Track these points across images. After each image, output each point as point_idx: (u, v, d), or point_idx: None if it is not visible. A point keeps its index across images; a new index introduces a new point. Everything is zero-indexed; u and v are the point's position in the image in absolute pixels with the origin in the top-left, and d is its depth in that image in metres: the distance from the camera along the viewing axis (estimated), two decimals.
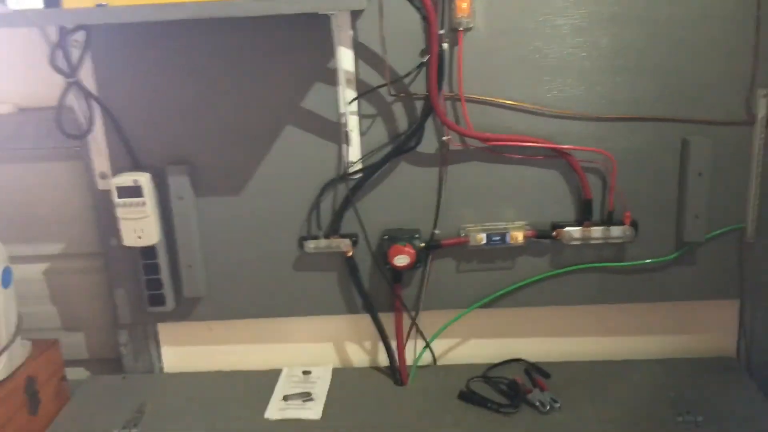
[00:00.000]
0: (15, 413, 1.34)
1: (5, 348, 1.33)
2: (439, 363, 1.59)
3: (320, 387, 1.51)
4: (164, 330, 1.61)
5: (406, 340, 1.53)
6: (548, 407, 1.38)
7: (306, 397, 1.47)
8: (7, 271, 1.32)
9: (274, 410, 1.44)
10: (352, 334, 1.60)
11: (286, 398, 1.47)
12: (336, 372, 1.57)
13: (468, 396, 1.44)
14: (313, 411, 1.43)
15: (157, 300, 1.50)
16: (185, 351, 1.62)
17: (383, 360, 1.58)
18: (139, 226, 1.42)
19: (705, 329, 1.54)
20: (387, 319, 1.52)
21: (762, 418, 1.31)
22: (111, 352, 1.64)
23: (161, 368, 1.63)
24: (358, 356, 1.61)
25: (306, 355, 1.61)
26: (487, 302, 1.50)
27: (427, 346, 1.55)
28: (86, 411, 1.47)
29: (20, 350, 1.39)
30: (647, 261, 1.46)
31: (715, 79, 1.36)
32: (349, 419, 1.40)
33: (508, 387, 1.46)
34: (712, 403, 1.37)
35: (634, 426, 1.32)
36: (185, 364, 1.62)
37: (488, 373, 1.51)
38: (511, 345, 1.58)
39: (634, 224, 1.42)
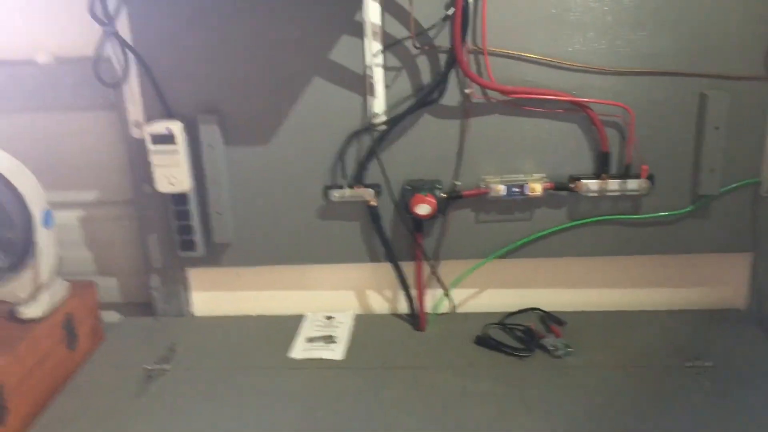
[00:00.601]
0: (55, 347, 1.42)
1: (46, 285, 1.40)
2: (457, 311, 1.64)
3: (342, 331, 1.57)
4: (194, 275, 1.67)
5: (426, 288, 1.58)
6: (561, 352, 1.44)
7: (329, 339, 1.54)
8: (48, 213, 1.39)
9: (299, 350, 1.50)
10: (374, 282, 1.65)
11: (309, 340, 1.54)
12: (357, 318, 1.63)
13: (484, 341, 1.50)
14: (335, 352, 1.49)
15: (188, 245, 1.57)
16: (214, 296, 1.69)
17: (403, 308, 1.64)
18: (171, 172, 1.48)
19: (717, 282, 1.58)
20: (408, 268, 1.58)
21: None
22: (143, 296, 1.71)
23: (191, 312, 1.69)
24: (378, 303, 1.67)
25: (329, 302, 1.67)
26: (505, 252, 1.55)
27: (446, 294, 1.61)
28: (120, 348, 1.55)
29: (60, 289, 1.47)
30: (662, 214, 1.49)
31: (734, 34, 1.38)
32: (369, 360, 1.46)
33: (524, 333, 1.51)
34: (721, 351, 1.41)
35: (643, 371, 1.37)
36: (214, 308, 1.69)
37: (504, 320, 1.56)
38: (528, 295, 1.63)
39: (650, 177, 1.46)
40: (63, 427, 1.29)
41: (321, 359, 1.47)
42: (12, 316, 1.40)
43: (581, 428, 1.22)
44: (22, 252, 1.37)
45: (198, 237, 1.56)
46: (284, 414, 1.30)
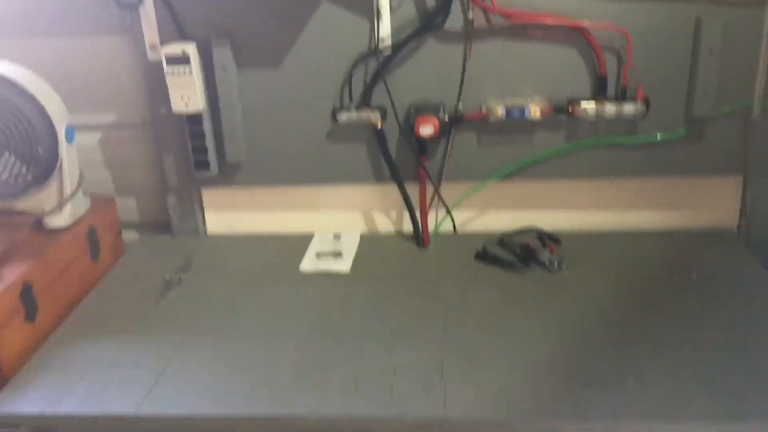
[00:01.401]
0: (79, 256, 1.51)
1: (70, 197, 1.49)
2: (458, 232, 1.72)
3: (349, 248, 1.66)
4: (208, 195, 1.76)
5: (429, 207, 1.66)
6: (556, 266, 1.52)
7: (337, 254, 1.62)
8: (70, 128, 1.46)
9: (308, 264, 1.59)
10: (379, 204, 1.73)
11: (318, 255, 1.63)
12: (363, 237, 1.71)
13: (483, 256, 1.58)
14: (343, 265, 1.58)
15: (202, 165, 1.64)
16: (226, 216, 1.77)
17: (407, 228, 1.72)
18: (186, 93, 1.55)
19: (708, 204, 1.65)
20: (412, 190, 1.65)
21: (755, 280, 1.43)
22: (159, 216, 1.80)
23: (205, 231, 1.78)
24: (383, 224, 1.75)
25: (336, 223, 1.75)
26: (505, 174, 1.62)
27: (449, 213, 1.68)
28: (140, 261, 1.64)
29: (82, 202, 1.55)
30: (656, 136, 1.56)
31: None
32: (375, 272, 1.55)
33: (521, 249, 1.59)
34: (709, 267, 1.49)
35: (634, 283, 1.45)
36: (226, 227, 1.78)
37: (503, 239, 1.64)
38: (526, 216, 1.70)
39: (646, 101, 1.52)
40: (89, 327, 1.39)
41: (330, 272, 1.56)
42: (39, 227, 1.49)
43: (575, 332, 1.31)
44: (47, 166, 1.45)
45: (212, 157, 1.64)
46: (297, 318, 1.39)
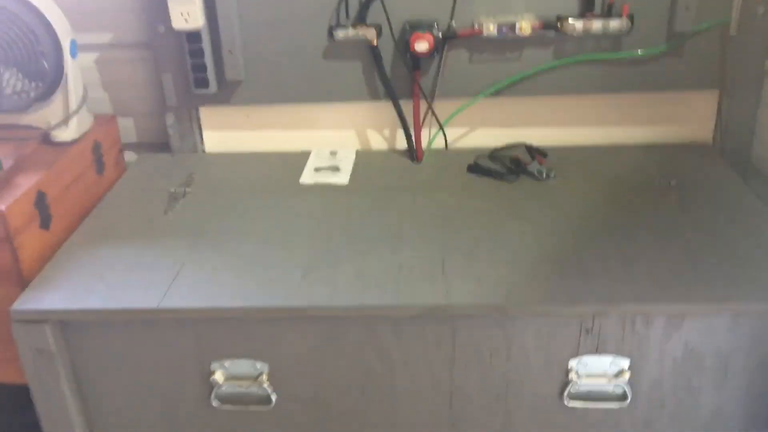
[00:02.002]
0: (86, 170, 1.56)
1: (75, 112, 1.52)
2: (450, 148, 1.79)
3: (346, 163, 1.72)
4: (206, 114, 1.80)
5: (423, 123, 1.73)
6: (545, 176, 1.60)
7: (334, 169, 1.69)
8: (73, 43, 1.49)
9: (307, 177, 1.66)
10: (374, 122, 1.79)
11: (316, 170, 1.69)
12: (359, 153, 1.78)
13: (475, 168, 1.66)
14: (341, 178, 1.64)
15: (202, 82, 1.68)
16: (225, 135, 1.82)
17: (401, 145, 1.79)
18: (186, 9, 1.58)
19: (686, 119, 1.74)
20: (406, 107, 1.71)
21: (729, 187, 1.53)
22: (158, 136, 1.84)
23: (203, 149, 1.83)
24: (378, 142, 1.81)
25: (332, 141, 1.81)
26: (496, 91, 1.69)
27: (441, 128, 1.75)
28: (143, 177, 1.69)
29: (87, 118, 1.59)
30: (639, 51, 1.63)
31: None
32: (372, 184, 1.62)
33: (511, 162, 1.67)
34: (687, 174, 1.59)
35: (617, 189, 1.54)
36: (225, 146, 1.82)
37: (494, 153, 1.72)
38: (515, 133, 1.78)
39: (630, 17, 1.59)
40: (103, 235, 1.44)
41: (328, 184, 1.63)
42: (46, 140, 1.53)
43: (564, 231, 1.40)
44: (53, 81, 1.48)
45: (211, 74, 1.67)
46: (302, 224, 1.46)
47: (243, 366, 1.30)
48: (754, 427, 1.30)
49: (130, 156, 1.85)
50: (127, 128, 1.84)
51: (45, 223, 1.39)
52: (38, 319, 1.24)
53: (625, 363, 1.26)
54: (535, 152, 1.70)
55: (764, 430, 1.29)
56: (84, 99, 1.56)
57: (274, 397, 1.32)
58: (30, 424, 1.49)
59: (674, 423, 1.31)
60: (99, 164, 1.61)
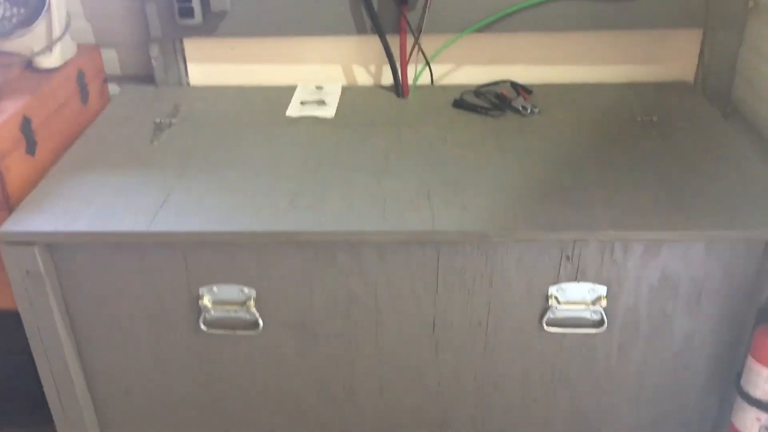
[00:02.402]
0: (71, 98, 1.55)
1: (59, 38, 1.51)
2: (435, 84, 1.80)
3: (332, 97, 1.72)
4: (191, 46, 1.78)
5: (409, 58, 1.73)
6: (529, 111, 1.62)
7: (320, 103, 1.69)
8: None
9: (294, 110, 1.66)
10: (360, 57, 1.79)
11: (303, 103, 1.69)
12: (345, 88, 1.78)
13: (461, 103, 1.67)
14: (327, 111, 1.65)
15: (186, 12, 1.66)
16: (209, 67, 1.81)
17: (387, 81, 1.79)
18: None
19: (669, 58, 1.76)
20: (392, 43, 1.71)
21: (709, 122, 1.56)
22: (142, 68, 1.82)
23: (188, 82, 1.82)
24: (364, 77, 1.81)
25: (317, 75, 1.81)
26: (482, 26, 1.69)
27: (427, 63, 1.76)
28: (127, 107, 1.68)
29: (70, 45, 1.57)
30: None
31: None
32: (358, 118, 1.63)
33: (496, 97, 1.68)
34: (669, 110, 1.61)
35: (600, 125, 1.56)
36: (210, 79, 1.81)
37: (479, 90, 1.73)
38: (500, 70, 1.79)
39: None
40: (89, 162, 1.44)
41: (315, 117, 1.63)
42: (29, 67, 1.51)
43: (548, 163, 1.42)
44: (36, 6, 1.46)
45: (196, 4, 1.65)
46: (289, 154, 1.47)
47: (230, 291, 1.33)
48: (724, 351, 1.35)
49: (113, 89, 1.84)
50: (111, 60, 1.82)
51: (31, 148, 1.39)
52: (26, 241, 1.25)
53: (602, 290, 1.30)
54: (519, 89, 1.71)
55: (734, 354, 1.34)
56: (67, 26, 1.54)
57: (261, 322, 1.34)
58: (18, 350, 1.51)
59: (648, 348, 1.36)
60: (83, 93, 1.60)
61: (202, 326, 1.35)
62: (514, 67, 1.78)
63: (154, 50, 1.76)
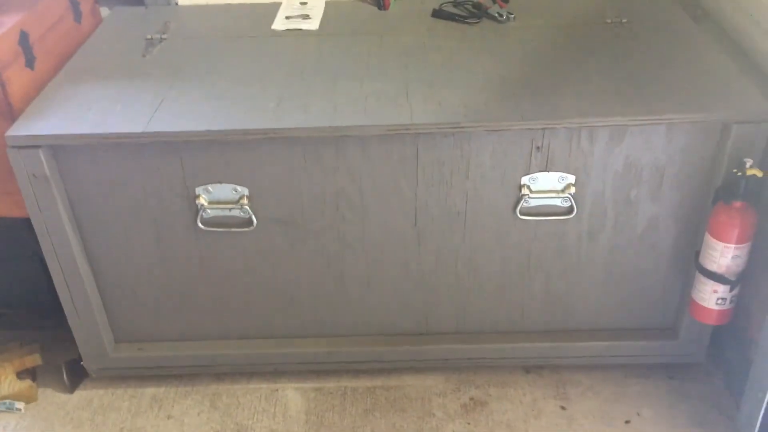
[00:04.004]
0: (63, 16, 1.61)
1: None
2: None
3: (315, 11, 1.78)
4: None
5: None
6: (505, 18, 1.69)
7: (305, 17, 1.76)
8: None
9: (279, 24, 1.72)
10: None
11: (287, 18, 1.76)
12: (328, 3, 1.84)
13: (439, 13, 1.74)
14: (311, 24, 1.72)
15: None
16: None
17: None
18: None
19: None
20: None
21: (678, 23, 1.63)
22: None
23: (176, 2, 1.87)
24: None
25: None
26: None
27: None
28: (119, 26, 1.75)
29: None
30: None
31: None
32: (341, 29, 1.69)
33: (473, 6, 1.75)
34: (640, 13, 1.68)
35: (573, 28, 1.63)
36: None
37: (457, 0, 1.79)
38: None
39: None
40: (85, 75, 1.52)
41: (299, 29, 1.70)
42: None
43: (519, 63, 1.50)
44: None
45: None
46: (275, 63, 1.55)
47: (225, 190, 1.42)
48: (686, 232, 1.46)
49: (104, 11, 1.89)
50: None
51: (29, 62, 1.46)
52: (32, 144, 1.33)
53: (571, 178, 1.40)
54: None
55: (695, 234, 1.45)
56: None
57: (254, 219, 1.44)
58: (29, 255, 1.61)
59: (615, 233, 1.46)
60: (76, 12, 1.66)
61: (200, 224, 1.44)
62: None
63: None
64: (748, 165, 1.30)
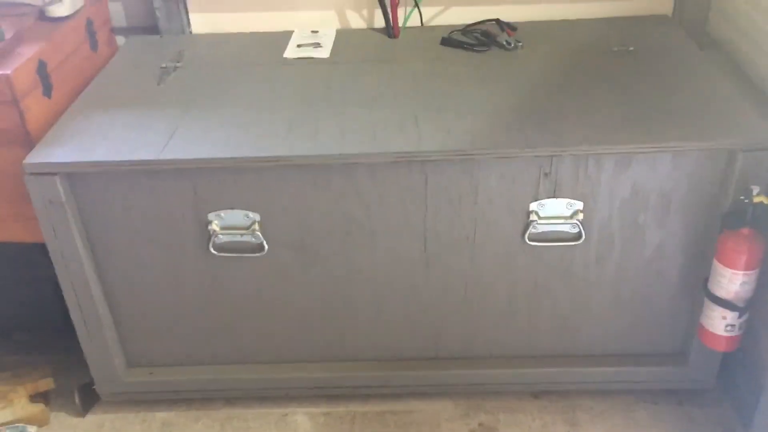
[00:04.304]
0: (81, 44, 1.65)
1: None
2: (425, 25, 1.89)
3: (326, 40, 1.82)
4: None
5: (399, 1, 1.82)
6: (513, 45, 1.72)
7: (316, 45, 1.79)
8: None
9: (291, 52, 1.76)
10: (352, 1, 1.88)
11: (299, 46, 1.79)
12: (338, 32, 1.87)
13: (449, 41, 1.76)
14: (322, 52, 1.75)
15: None
16: (210, 17, 1.90)
17: (378, 24, 1.88)
18: None
19: None
20: None
21: (684, 51, 1.65)
22: (146, 20, 1.91)
23: (190, 31, 1.92)
24: (357, 21, 1.90)
25: (312, 21, 1.90)
26: None
27: (417, 5, 1.85)
28: (134, 55, 1.79)
29: None
30: None
31: None
32: (351, 57, 1.72)
33: (482, 35, 1.77)
34: (646, 41, 1.70)
35: (579, 55, 1.66)
36: (211, 27, 1.91)
37: (466, 29, 1.82)
38: (488, 11, 1.86)
39: None
40: (101, 103, 1.55)
41: (311, 58, 1.73)
42: (42, 17, 1.61)
43: (526, 91, 1.52)
44: None
45: None
46: (286, 91, 1.58)
47: (237, 216, 1.44)
48: (693, 258, 1.46)
49: (120, 40, 1.94)
50: (116, 12, 1.92)
51: (47, 91, 1.50)
52: (49, 171, 1.36)
53: (579, 204, 1.41)
54: (504, 26, 1.80)
55: (702, 260, 1.45)
56: None
57: (266, 245, 1.46)
58: (43, 279, 1.63)
59: (623, 258, 1.47)
60: (93, 41, 1.70)
61: (212, 250, 1.46)
62: (500, 7, 1.87)
63: (157, 1, 1.85)
64: (755, 192, 1.31)
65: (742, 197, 1.32)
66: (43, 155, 1.37)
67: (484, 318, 1.55)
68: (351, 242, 1.46)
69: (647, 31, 1.75)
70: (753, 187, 1.31)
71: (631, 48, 1.66)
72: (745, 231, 1.33)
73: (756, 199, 1.30)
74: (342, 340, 1.59)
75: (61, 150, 1.38)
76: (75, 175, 1.39)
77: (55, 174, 1.37)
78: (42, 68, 1.48)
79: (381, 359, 1.61)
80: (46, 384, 1.66)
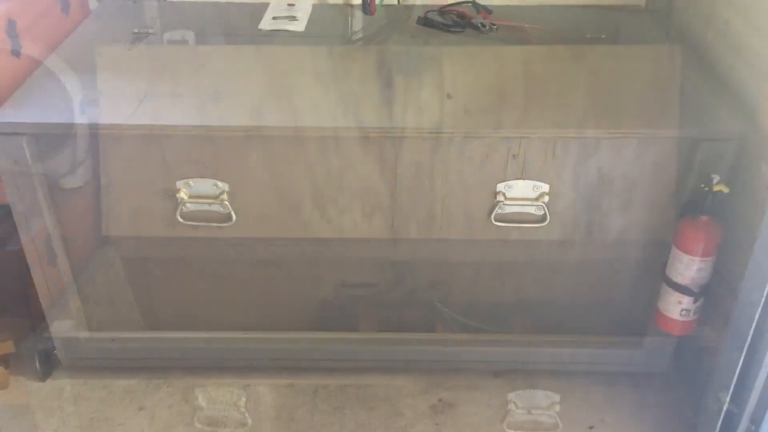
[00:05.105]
0: (51, 6, 1.62)
1: None
2: (402, 3, 1.89)
3: (302, 14, 1.81)
4: None
5: None
6: (487, 28, 1.73)
7: (291, 18, 1.78)
8: None
9: (266, 24, 1.75)
10: None
11: (274, 18, 1.78)
12: (315, 6, 1.86)
13: (425, 21, 1.77)
14: (297, 26, 1.74)
15: None
16: None
17: (356, 1, 1.87)
18: None
19: None
20: None
21: (653, 40, 1.67)
22: None
23: None
24: None
25: None
26: None
27: None
28: (107, 19, 1.76)
29: None
30: None
31: None
32: (326, 32, 1.73)
33: (457, 16, 1.78)
34: (617, 29, 1.73)
35: (553, 40, 1.67)
36: None
37: (442, 9, 1.82)
38: None
39: None
40: (71, 65, 1.52)
41: (286, 30, 1.72)
42: None
43: (497, 72, 1.54)
44: None
45: None
46: (257, 63, 1.57)
47: (205, 185, 1.44)
48: (652, 245, 1.50)
49: (93, 4, 1.90)
50: None
51: (16, 51, 1.47)
52: (15, 131, 1.34)
53: (545, 187, 1.43)
54: (480, 8, 1.81)
55: (662, 249, 1.48)
56: None
57: (234, 215, 1.46)
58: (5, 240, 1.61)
59: (585, 242, 1.50)
60: (64, 3, 1.67)
61: (179, 218, 1.46)
62: None
63: None
64: (715, 181, 1.34)
65: (702, 185, 1.35)
66: (9, 115, 1.35)
67: (449, 295, 1.57)
68: (318, 216, 1.47)
69: (620, 21, 1.78)
70: (713, 176, 1.34)
71: (603, 36, 1.68)
72: (704, 218, 1.36)
73: (716, 188, 1.33)
74: (307, 312, 1.61)
75: (27, 111, 1.37)
76: (41, 137, 1.37)
77: (21, 134, 1.35)
78: (11, 27, 1.45)
79: (345, 332, 1.63)
80: (6, 347, 1.64)
